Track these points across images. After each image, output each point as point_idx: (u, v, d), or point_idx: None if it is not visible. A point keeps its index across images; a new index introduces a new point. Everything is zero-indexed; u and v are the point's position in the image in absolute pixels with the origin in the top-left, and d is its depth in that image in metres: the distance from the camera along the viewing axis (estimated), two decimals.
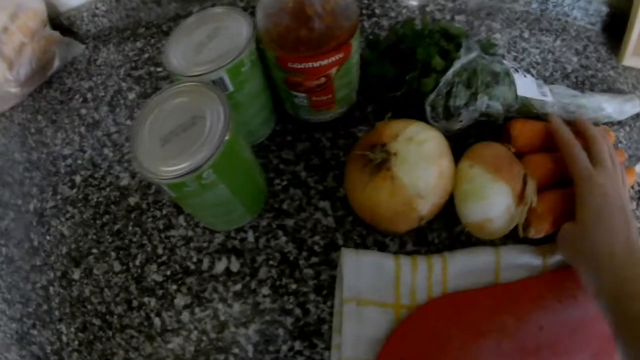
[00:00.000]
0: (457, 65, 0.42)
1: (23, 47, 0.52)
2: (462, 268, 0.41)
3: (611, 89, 0.55)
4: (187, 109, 0.35)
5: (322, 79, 0.40)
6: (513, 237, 0.41)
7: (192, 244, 0.45)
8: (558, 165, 0.46)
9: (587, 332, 0.40)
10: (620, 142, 0.52)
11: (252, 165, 0.41)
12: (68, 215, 0.49)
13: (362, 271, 0.40)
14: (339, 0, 0.38)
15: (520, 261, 0.42)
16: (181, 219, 0.46)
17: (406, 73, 0.43)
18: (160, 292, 0.44)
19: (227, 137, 0.33)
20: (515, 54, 0.54)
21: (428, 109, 0.42)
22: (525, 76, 0.47)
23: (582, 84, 0.54)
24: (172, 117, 0.35)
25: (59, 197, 0.51)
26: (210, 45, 0.40)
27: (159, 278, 0.44)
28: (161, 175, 0.33)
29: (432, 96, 0.42)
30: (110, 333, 0.43)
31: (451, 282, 0.41)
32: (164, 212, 0.47)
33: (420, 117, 0.42)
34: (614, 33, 0.58)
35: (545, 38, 0.56)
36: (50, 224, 0.50)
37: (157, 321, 0.43)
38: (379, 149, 0.38)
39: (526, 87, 0.47)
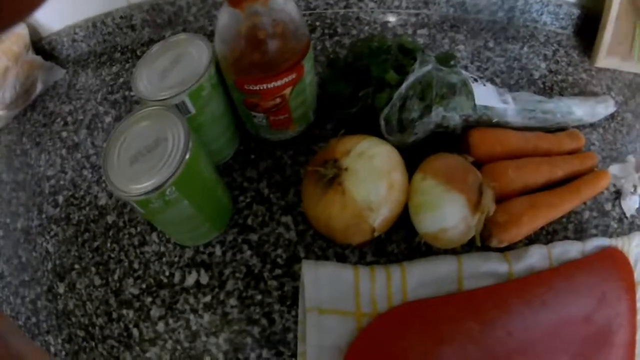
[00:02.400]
0: (410, 78, 0.46)
1: (7, 71, 0.57)
2: (422, 277, 0.44)
3: (583, 92, 0.57)
4: (151, 132, 0.40)
5: (278, 100, 0.44)
6: (477, 244, 0.44)
7: (164, 259, 0.49)
8: (520, 172, 0.49)
9: (562, 336, 0.42)
10: (593, 144, 0.55)
11: (214, 183, 0.45)
12: (52, 233, 0.55)
13: (321, 282, 0.43)
14: (288, 23, 0.42)
15: (485, 269, 0.45)
16: (154, 236, 0.51)
17: (362, 90, 0.47)
18: (137, 304, 0.48)
19: (187, 157, 0.38)
20: (479, 64, 0.57)
21: (382, 123, 0.46)
22: (484, 85, 0.51)
23: (551, 89, 0.56)
24: (138, 140, 0.40)
25: (43, 216, 0.56)
26: (174, 70, 0.44)
27: (136, 291, 0.49)
28: (130, 193, 0.37)
29: (385, 110, 0.46)
30: (93, 344, 0.48)
31: (411, 291, 0.44)
32: (139, 229, 0.52)
33: (376, 132, 0.46)
34: (587, 35, 0.60)
35: (511, 46, 0.59)
36: (36, 241, 0.55)
37: (135, 332, 0.47)
38: (331, 165, 0.41)
39: (486, 96, 0.50)
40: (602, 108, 0.54)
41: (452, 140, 0.49)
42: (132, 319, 0.48)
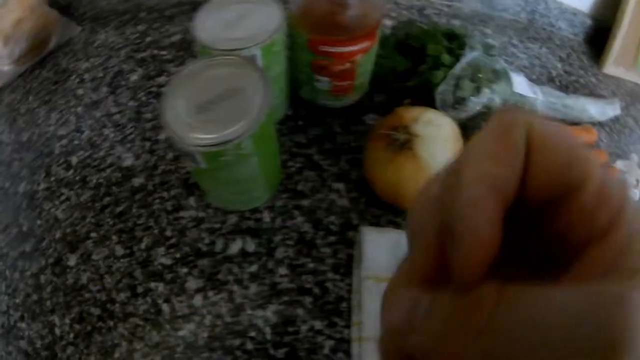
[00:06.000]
0: (463, 60, 0.50)
1: (20, 22, 0.52)
2: None
3: (592, 94, 0.65)
4: (224, 81, 0.37)
5: (347, 65, 0.45)
6: None
7: (203, 225, 0.47)
8: None
9: None
10: (602, 140, 0.62)
11: (276, 142, 0.44)
12: (63, 197, 0.50)
13: (381, 249, 0.44)
14: None
15: None
16: (191, 200, 0.48)
17: (415, 66, 0.51)
18: (169, 276, 0.45)
19: (266, 109, 0.36)
20: (506, 58, 0.63)
21: (438, 98, 0.49)
22: (518, 75, 0.56)
23: (566, 88, 0.63)
24: (208, 87, 0.37)
25: (52, 178, 0.51)
26: (241, 23, 0.42)
27: (168, 261, 0.46)
28: (200, 143, 0.34)
29: (442, 87, 0.49)
30: (112, 323, 0.43)
31: None
32: (172, 193, 0.49)
33: (428, 106, 0.49)
34: (595, 44, 0.69)
35: (532, 45, 0.66)
36: (42, 207, 0.50)
37: (165, 307, 0.44)
38: (403, 130, 0.44)
39: (520, 85, 0.55)
40: (611, 109, 0.62)
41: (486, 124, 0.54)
42: (163, 293, 0.44)
